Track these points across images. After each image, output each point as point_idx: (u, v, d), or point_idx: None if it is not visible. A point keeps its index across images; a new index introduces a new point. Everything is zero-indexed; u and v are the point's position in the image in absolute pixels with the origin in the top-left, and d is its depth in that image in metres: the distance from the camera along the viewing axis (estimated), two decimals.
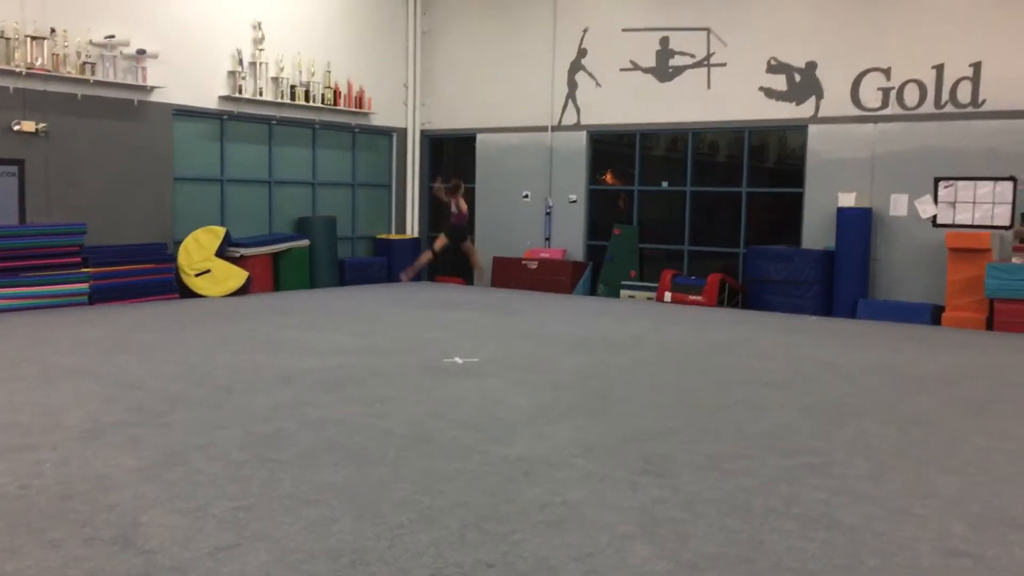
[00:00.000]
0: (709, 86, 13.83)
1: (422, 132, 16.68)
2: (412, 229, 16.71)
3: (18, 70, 11.21)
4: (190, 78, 13.14)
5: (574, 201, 15.18)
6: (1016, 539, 4.02)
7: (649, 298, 13.94)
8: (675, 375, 7.84)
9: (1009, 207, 11.73)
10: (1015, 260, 11.44)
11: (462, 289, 15.25)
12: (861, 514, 4.29)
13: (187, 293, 12.76)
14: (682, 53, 14.03)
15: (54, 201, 11.78)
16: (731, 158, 14.23)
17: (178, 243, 13.00)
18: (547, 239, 15.46)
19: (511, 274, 15.27)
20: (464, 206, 12.85)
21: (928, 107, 12.19)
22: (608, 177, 15.45)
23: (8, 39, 11.19)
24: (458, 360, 8.19)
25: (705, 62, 13.85)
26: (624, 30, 14.50)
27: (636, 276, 14.46)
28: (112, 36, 12.12)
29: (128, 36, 12.30)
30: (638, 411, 6.38)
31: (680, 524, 4.10)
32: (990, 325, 11.39)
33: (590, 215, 15.23)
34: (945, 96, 12.07)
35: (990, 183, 11.80)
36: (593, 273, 14.94)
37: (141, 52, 12.41)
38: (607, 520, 4.13)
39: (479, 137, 16.09)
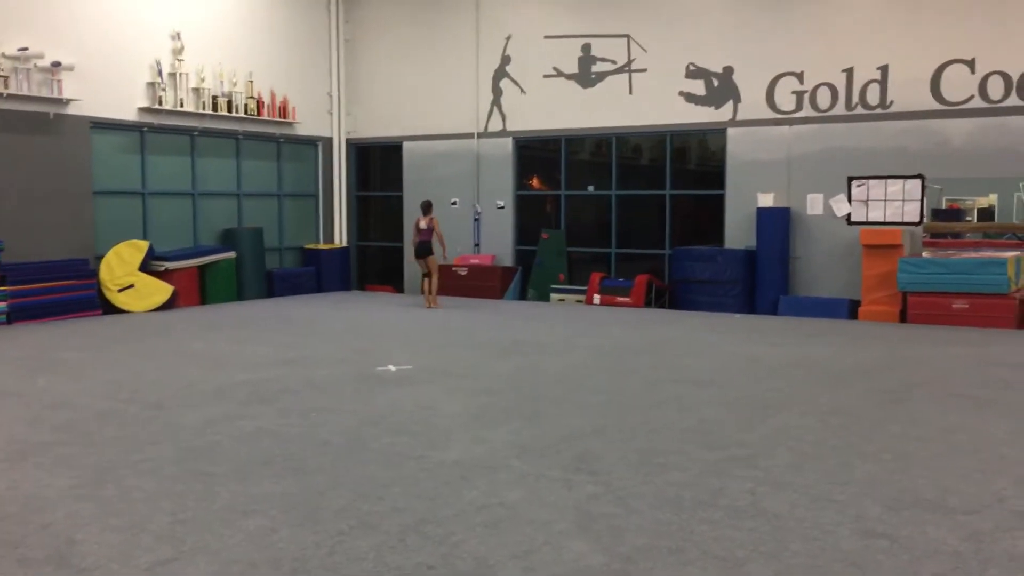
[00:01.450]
0: (631, 91, 14.11)
1: (347, 141, 16.63)
2: (340, 238, 16.64)
3: None
4: (108, 90, 12.89)
5: (502, 207, 15.31)
6: (929, 519, 4.25)
7: (579, 301, 14.14)
8: (606, 376, 8.01)
9: (918, 204, 12.25)
10: (925, 255, 11.96)
11: (392, 298, 15.24)
12: (785, 502, 4.48)
13: (110, 309, 12.50)
14: (604, 59, 14.29)
15: None
16: (654, 161, 14.53)
17: (100, 258, 12.73)
18: (476, 245, 15.56)
19: (441, 281, 15.27)
20: (436, 224, 13.43)
21: (840, 109, 12.66)
22: (535, 182, 15.62)
23: None
24: (391, 368, 8.22)
25: (626, 68, 14.13)
26: (547, 37, 14.69)
27: (565, 280, 14.65)
28: (25, 48, 11.83)
29: (42, 48, 12.02)
30: (571, 412, 6.52)
31: (614, 519, 4.23)
32: (904, 317, 11.86)
33: (518, 220, 15.37)
34: (855, 98, 12.54)
35: (900, 181, 12.30)
36: (523, 278, 15.09)
37: (56, 64, 12.13)
38: (543, 518, 4.24)
39: (405, 145, 16.11)
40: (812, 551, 3.85)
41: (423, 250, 13.38)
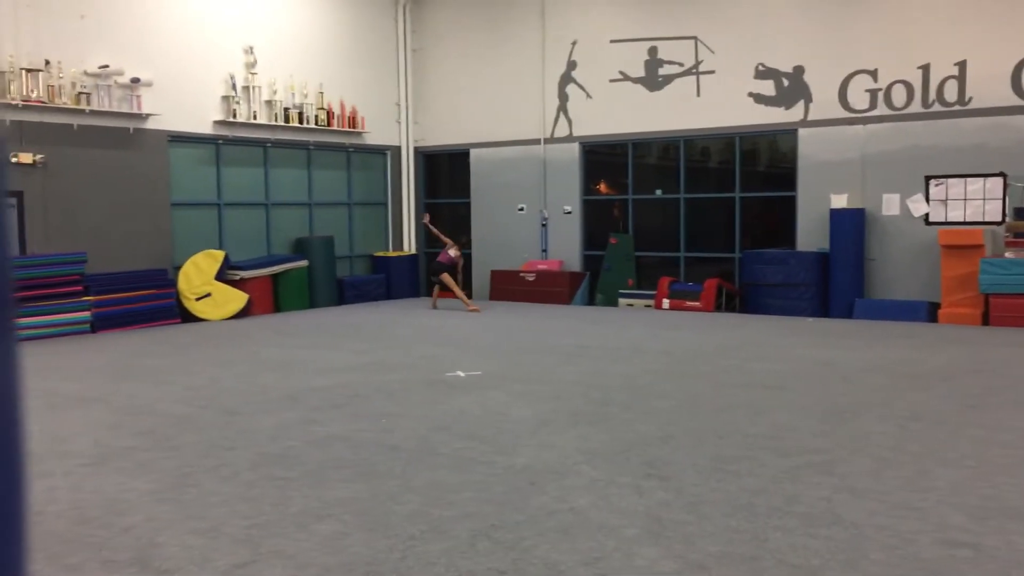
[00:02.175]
0: (699, 94, 13.97)
1: (416, 149, 16.81)
2: (409, 246, 16.81)
3: (14, 103, 11.32)
4: (184, 104, 13.26)
5: (569, 212, 15.30)
6: (1014, 528, 4.10)
7: (647, 305, 14.04)
8: (675, 381, 7.92)
9: (1000, 203, 11.86)
10: (1008, 255, 11.55)
11: (460, 304, 15.34)
12: (863, 509, 4.38)
13: (188, 318, 12.83)
14: (671, 62, 14.17)
15: (53, 231, 11.88)
16: (723, 164, 14.35)
17: (178, 268, 13.09)
18: (544, 251, 15.57)
19: (509, 287, 15.37)
20: (459, 258, 14.21)
21: (916, 107, 12.33)
22: (602, 187, 15.57)
23: (3, 72, 11.31)
24: (460, 374, 8.27)
25: (694, 70, 14.00)
26: (612, 41, 14.64)
27: (633, 284, 14.56)
28: (106, 66, 12.25)
29: (122, 65, 12.42)
30: (640, 417, 6.47)
31: (685, 526, 4.18)
32: (986, 320, 11.48)
33: (585, 225, 15.34)
34: (932, 95, 12.21)
35: (980, 180, 11.93)
36: (591, 283, 15.04)
37: (135, 81, 12.53)
38: (614, 524, 4.21)
39: (472, 152, 16.21)
40: (892, 560, 3.74)
41: (439, 268, 14.12)
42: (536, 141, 15.51)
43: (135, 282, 12.33)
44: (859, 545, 3.91)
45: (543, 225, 15.54)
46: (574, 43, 15.04)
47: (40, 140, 11.71)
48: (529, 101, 15.50)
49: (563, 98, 15.22)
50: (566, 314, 13.38)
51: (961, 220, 12.07)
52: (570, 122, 15.18)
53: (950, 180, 12.15)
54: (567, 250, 15.36)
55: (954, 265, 11.79)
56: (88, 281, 11.82)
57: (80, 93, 12.01)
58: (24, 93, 11.47)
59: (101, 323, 11.77)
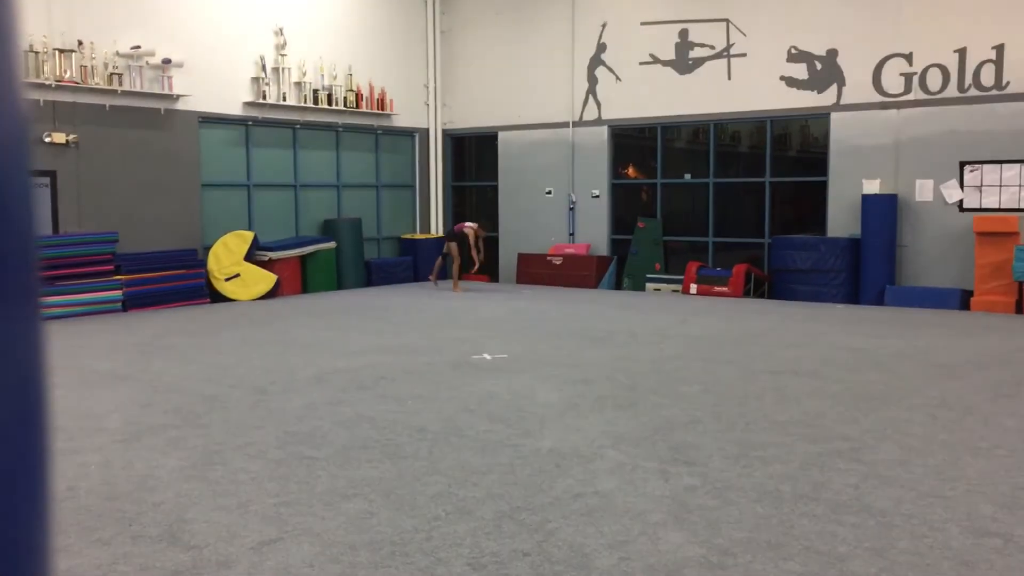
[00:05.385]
0: (729, 77, 13.83)
1: (444, 132, 16.79)
2: (436, 228, 16.83)
3: (47, 83, 11.43)
4: (215, 85, 13.33)
5: (597, 196, 15.23)
6: None
7: (675, 291, 13.97)
8: (702, 366, 7.89)
9: None
10: None
11: (487, 287, 15.34)
12: (891, 498, 4.34)
13: (217, 297, 12.95)
14: (701, 45, 14.04)
15: (86, 210, 12.01)
16: (753, 148, 14.21)
17: (207, 248, 13.19)
18: (571, 234, 15.52)
19: (536, 270, 15.35)
20: (477, 239, 14.19)
21: (951, 91, 12.13)
22: (630, 171, 15.48)
23: (37, 53, 11.41)
24: (487, 356, 8.28)
25: (725, 53, 13.85)
26: (643, 23, 14.52)
27: (661, 269, 14.49)
28: (138, 47, 12.33)
29: (153, 46, 12.50)
30: (666, 402, 6.44)
31: (711, 511, 4.17)
32: (1020, 308, 11.32)
33: (613, 209, 15.27)
34: (968, 79, 12.00)
35: (1016, 166, 11.73)
36: (618, 267, 14.99)
37: (167, 61, 12.60)
38: (639, 508, 4.20)
39: (501, 135, 16.17)
40: (919, 549, 3.71)
41: (453, 236, 14.18)
42: (565, 124, 15.44)
43: (165, 262, 12.45)
44: (887, 533, 3.88)
45: (571, 209, 15.49)
46: (604, 25, 14.93)
47: (73, 120, 11.83)
48: (558, 84, 15.42)
49: (592, 81, 15.13)
50: (593, 298, 13.34)
51: (996, 207, 11.89)
52: (599, 105, 15.09)
53: (985, 166, 11.95)
54: (595, 234, 15.31)
55: (988, 252, 11.62)
56: (119, 260, 11.95)
57: (112, 74, 12.10)
58: (57, 74, 11.57)
59: (132, 302, 11.90)
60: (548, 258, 15.16)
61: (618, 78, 14.85)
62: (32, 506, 0.63)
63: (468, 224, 14.33)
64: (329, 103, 14.82)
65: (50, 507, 0.66)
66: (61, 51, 11.59)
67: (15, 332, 0.62)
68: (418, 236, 16.33)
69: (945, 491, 4.44)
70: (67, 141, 11.72)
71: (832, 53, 12.97)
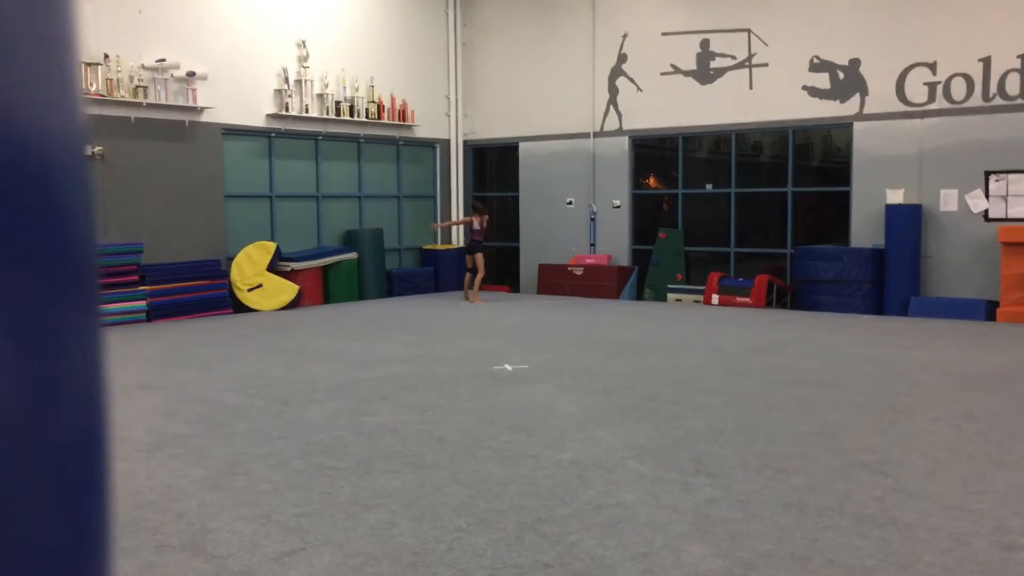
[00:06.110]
0: (751, 87, 13.79)
1: (465, 142, 16.85)
2: (458, 239, 16.86)
3: None
4: (238, 98, 13.45)
5: (618, 206, 15.22)
6: None
7: (696, 301, 13.92)
8: (724, 377, 7.84)
9: None
10: None
11: (507, 298, 15.35)
12: (916, 511, 4.29)
13: (240, 308, 13.03)
14: (723, 55, 14.01)
15: (111, 221, 12.12)
16: (775, 158, 14.16)
17: (230, 259, 13.29)
18: (592, 245, 15.51)
19: (557, 281, 15.35)
20: (486, 224, 14.24)
21: (976, 100, 12.03)
22: (651, 181, 15.46)
23: None
24: (508, 367, 8.28)
25: (747, 63, 13.82)
26: (664, 34, 14.52)
27: (682, 279, 14.44)
28: (163, 60, 12.46)
29: (178, 59, 12.63)
30: (688, 413, 6.41)
31: (734, 524, 4.14)
32: None
33: (634, 220, 15.25)
34: (993, 89, 11.91)
35: None
36: (639, 277, 14.95)
37: (191, 74, 12.73)
38: (661, 520, 4.18)
39: (521, 145, 16.20)
40: (946, 562, 3.67)
41: (474, 247, 14.13)
42: (585, 134, 15.45)
43: (189, 272, 12.55)
44: (912, 547, 3.84)
45: (591, 219, 15.48)
46: (624, 35, 14.94)
47: (99, 132, 11.95)
48: (579, 94, 15.44)
49: (613, 91, 15.14)
50: (614, 308, 13.32)
51: (1022, 217, 11.77)
52: (620, 115, 15.09)
53: (1011, 176, 11.84)
54: (616, 244, 15.29)
55: (1014, 263, 11.50)
56: (144, 271, 12.06)
57: (137, 87, 12.24)
58: (84, 86, 11.70)
59: (156, 312, 12.00)
60: (569, 268, 15.15)
61: (639, 88, 14.85)
62: (98, 512, 0.64)
63: (476, 224, 14.23)
64: (351, 114, 14.91)
65: (112, 514, 0.68)
66: (87, 64, 11.73)
67: (80, 340, 0.63)
68: (439, 247, 16.37)
69: (972, 504, 4.38)
70: (92, 153, 11.85)
71: (855, 63, 12.91)
